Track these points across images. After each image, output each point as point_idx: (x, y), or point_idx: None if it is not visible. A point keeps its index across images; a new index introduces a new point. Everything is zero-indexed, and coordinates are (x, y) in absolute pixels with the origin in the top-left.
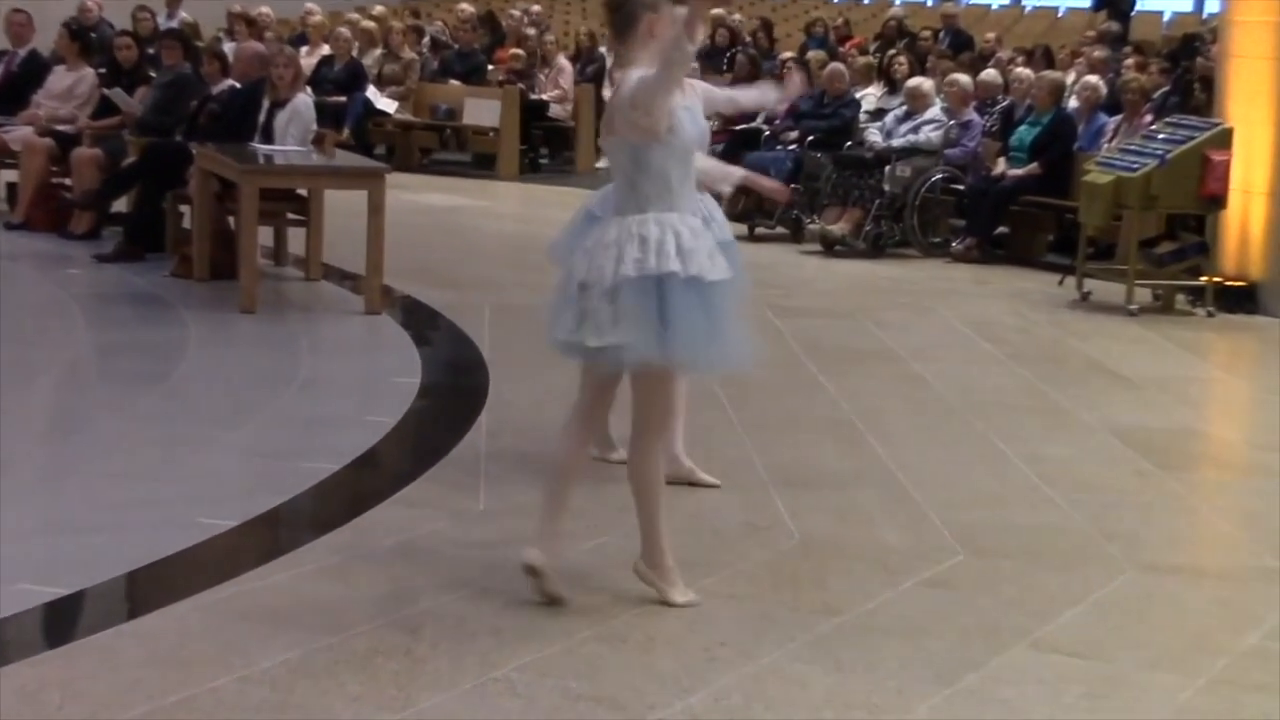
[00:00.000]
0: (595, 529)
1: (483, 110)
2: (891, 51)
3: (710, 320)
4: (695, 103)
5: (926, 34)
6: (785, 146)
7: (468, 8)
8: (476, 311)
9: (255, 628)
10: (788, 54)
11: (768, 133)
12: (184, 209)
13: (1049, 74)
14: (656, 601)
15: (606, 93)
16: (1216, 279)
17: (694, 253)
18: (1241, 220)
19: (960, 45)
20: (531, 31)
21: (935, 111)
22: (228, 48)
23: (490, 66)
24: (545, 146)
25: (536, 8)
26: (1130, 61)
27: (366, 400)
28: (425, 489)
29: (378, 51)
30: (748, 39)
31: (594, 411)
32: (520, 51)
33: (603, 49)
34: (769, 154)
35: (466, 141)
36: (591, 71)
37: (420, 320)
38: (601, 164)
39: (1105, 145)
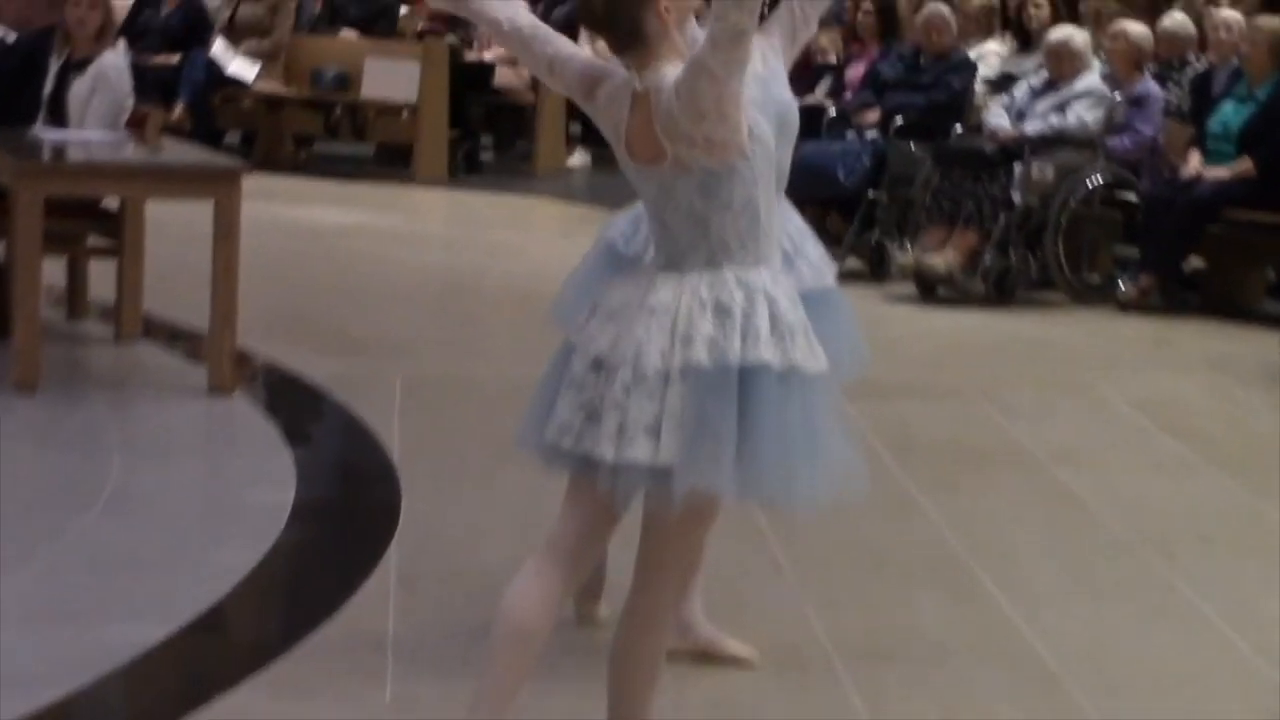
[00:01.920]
0: None
1: (392, 77)
2: None
3: (808, 434)
4: (772, 57)
5: None
6: (861, 133)
7: None
8: (381, 388)
9: None
10: None
11: (833, 112)
12: None
13: (1270, 20)
14: None
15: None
16: None
17: (793, 332)
18: None
19: None
20: None
21: (1092, 80)
22: None
23: (404, 9)
24: (489, 133)
25: None
26: None
27: (210, 528)
28: (300, 669)
29: None
30: None
31: (580, 554)
32: None
33: None
34: (834, 144)
35: (366, 126)
36: (560, 15)
37: (294, 403)
38: (576, 162)
39: None
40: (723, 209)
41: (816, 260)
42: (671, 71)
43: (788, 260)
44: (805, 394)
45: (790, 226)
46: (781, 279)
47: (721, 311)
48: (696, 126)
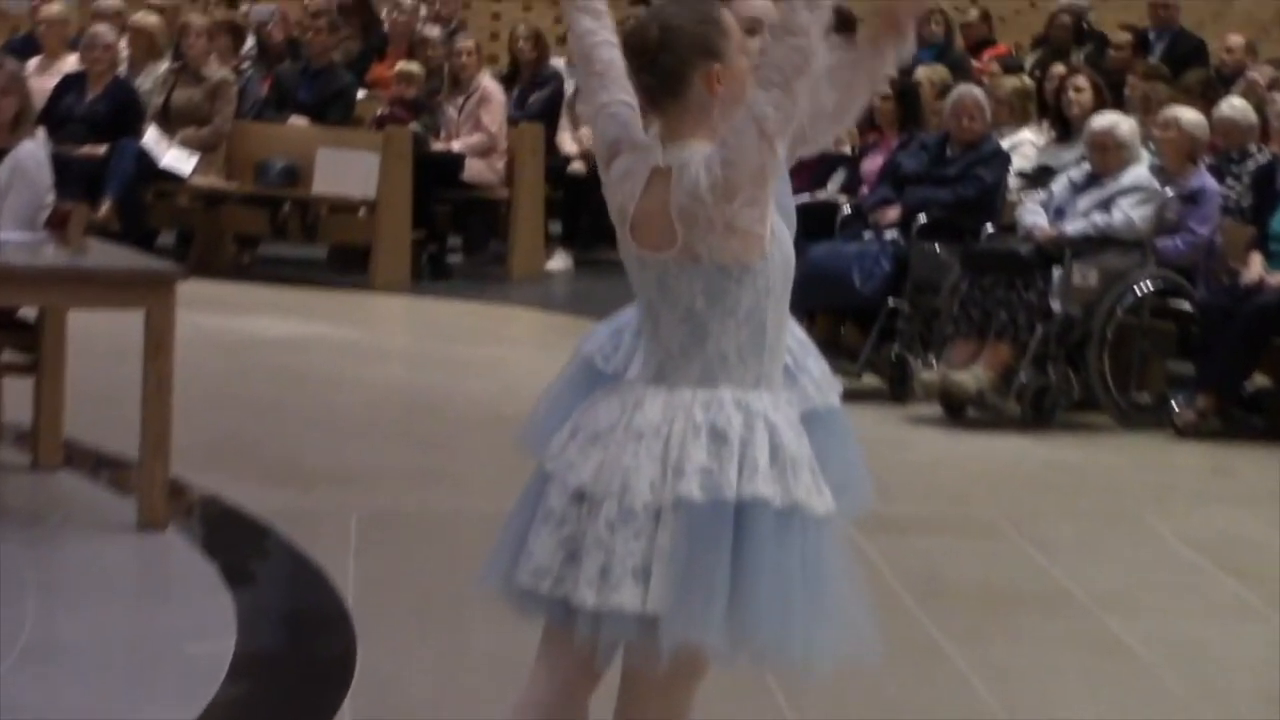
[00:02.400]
0: None
1: (347, 170)
2: (1062, 67)
3: (811, 583)
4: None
5: (1124, 37)
6: (880, 233)
7: None
8: (335, 524)
9: None
10: None
11: (848, 209)
12: None
13: None
14: None
15: (568, 139)
16: None
17: (797, 466)
18: None
19: (1184, 56)
20: (434, 33)
21: (1140, 174)
22: None
23: (362, 93)
24: (457, 233)
25: None
26: None
27: (140, 683)
28: None
29: (164, 66)
30: None
31: (559, 713)
32: (415, 67)
33: (559, 63)
34: (849, 246)
35: (319, 225)
36: (538, 101)
37: (236, 541)
38: (556, 265)
39: None
40: (726, 315)
41: (819, 376)
42: (701, 150)
43: (789, 376)
44: (808, 537)
45: (790, 339)
46: (784, 405)
47: (717, 438)
48: (724, 205)
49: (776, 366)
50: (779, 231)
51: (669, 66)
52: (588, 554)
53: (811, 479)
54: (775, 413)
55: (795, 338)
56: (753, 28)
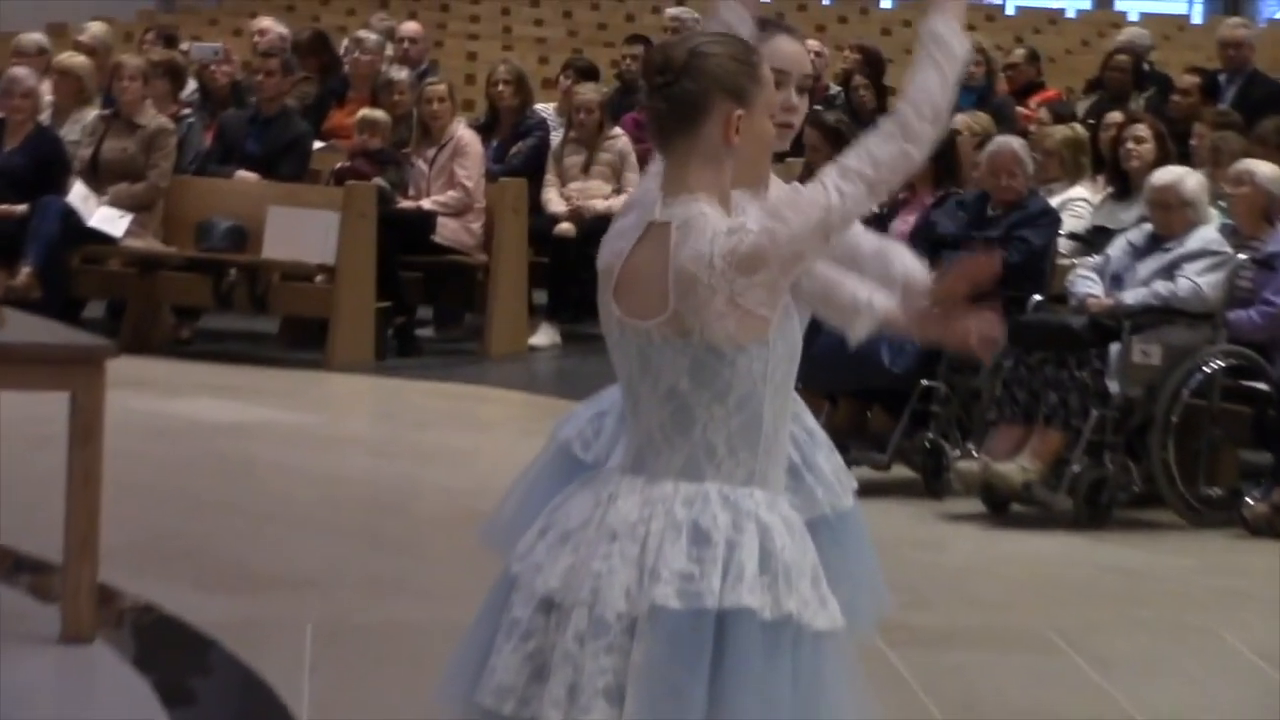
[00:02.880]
0: None
1: (303, 231)
2: (1119, 115)
3: (805, 705)
4: None
5: (1190, 80)
6: None
7: (271, 24)
8: (287, 636)
9: None
10: None
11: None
12: None
13: None
14: None
15: (554, 197)
16: None
17: (792, 574)
18: None
19: (1259, 102)
20: (401, 75)
21: (1209, 236)
22: None
23: (319, 143)
24: (428, 304)
25: (412, 28)
26: None
27: None
28: None
29: (92, 113)
30: (832, 89)
31: None
32: (379, 114)
33: (544, 110)
34: None
35: (269, 294)
36: (520, 153)
37: (173, 654)
38: (541, 341)
39: None
40: (714, 401)
41: (830, 475)
42: (708, 213)
43: (794, 475)
44: (803, 654)
45: (797, 429)
46: (781, 505)
47: (699, 538)
48: (735, 278)
49: (774, 464)
50: (788, 317)
51: (689, 95)
52: (555, 671)
53: (812, 590)
54: (769, 513)
55: (804, 427)
56: (778, 80)
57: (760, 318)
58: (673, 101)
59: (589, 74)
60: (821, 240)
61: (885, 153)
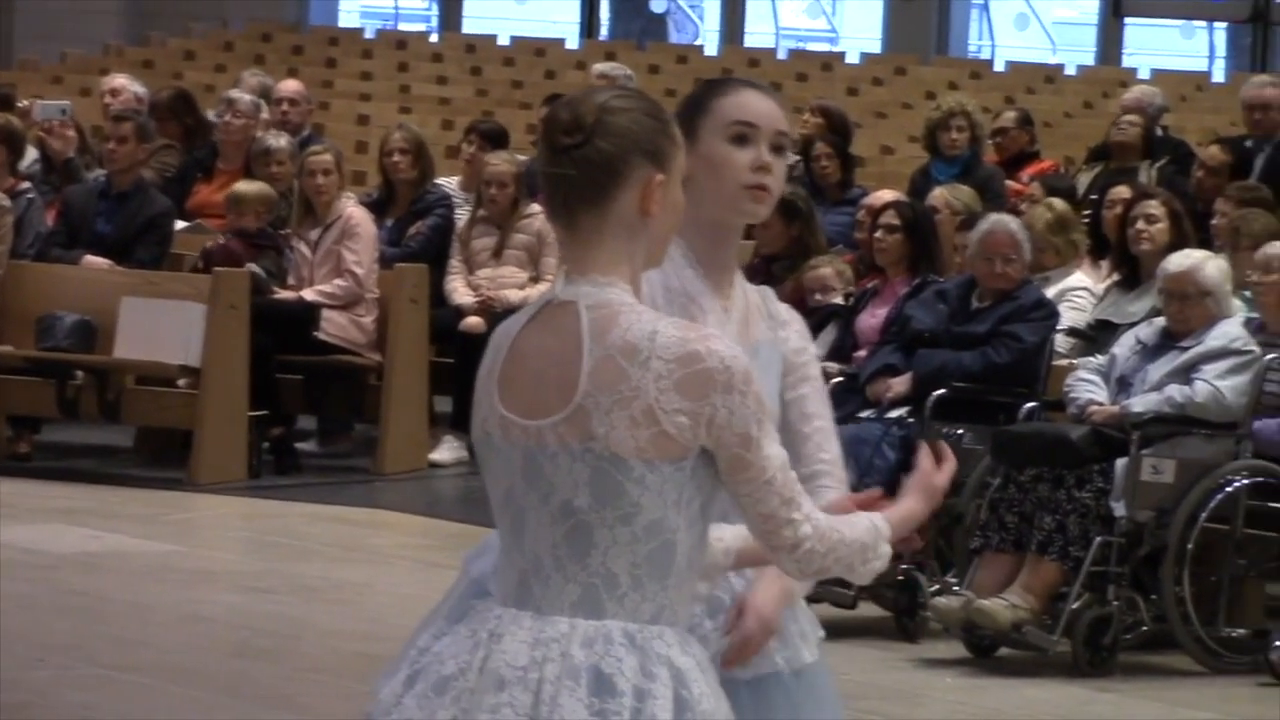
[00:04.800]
0: None
1: (162, 327)
2: (1126, 190)
3: None
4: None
5: (1215, 154)
6: (882, 411)
7: (126, 83)
8: None
9: None
10: (884, 196)
11: (838, 380)
12: None
13: None
14: None
15: (459, 287)
16: None
17: None
18: None
19: None
20: (280, 143)
21: (1232, 331)
22: None
23: (181, 224)
24: (311, 413)
25: (292, 86)
26: None
27: None
28: None
29: None
30: (791, 158)
31: None
32: (253, 188)
33: (447, 184)
34: (843, 429)
35: (122, 402)
36: (420, 235)
37: None
38: (443, 456)
39: None
40: (619, 523)
41: (789, 623)
42: (632, 303)
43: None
44: None
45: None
46: (694, 645)
47: (602, 687)
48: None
49: (685, 597)
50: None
51: (603, 158)
52: None
53: None
54: (682, 655)
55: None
56: (743, 134)
57: (678, 443)
58: (583, 165)
59: (498, 140)
60: (745, 470)
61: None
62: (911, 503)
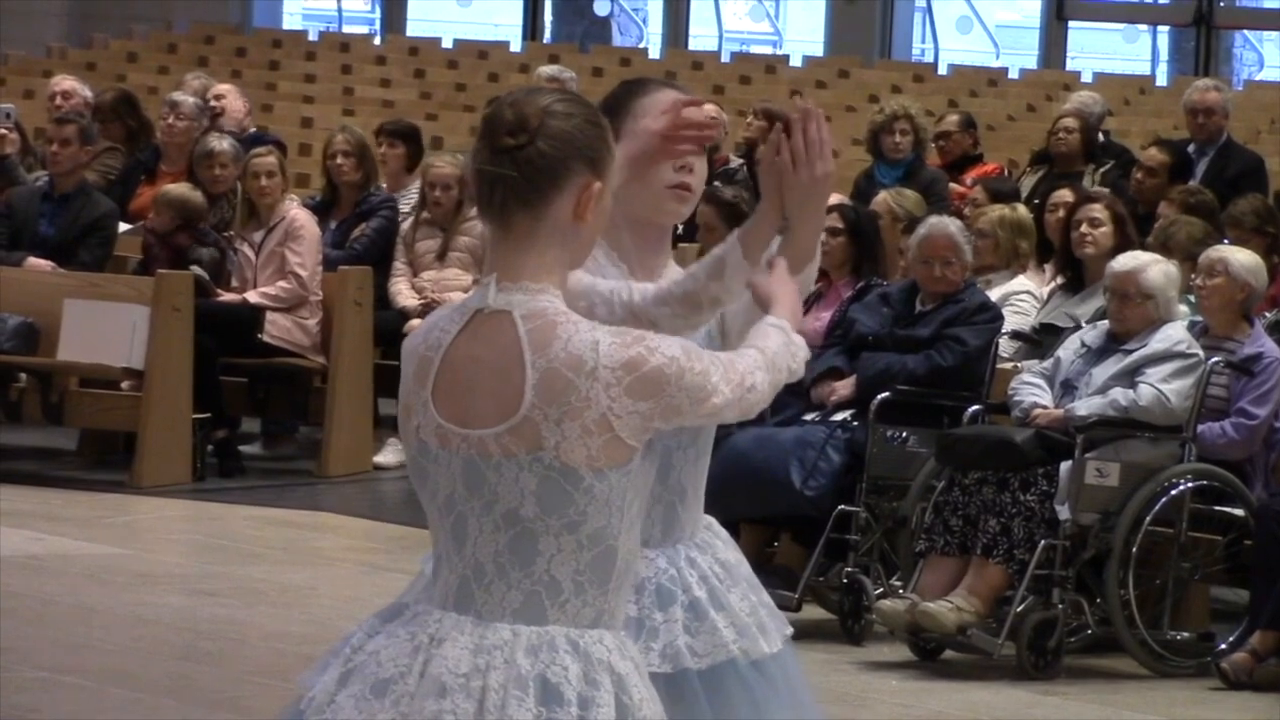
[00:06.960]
0: None
1: (105, 329)
2: (1069, 194)
3: None
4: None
5: (1155, 155)
6: (826, 415)
7: (75, 86)
8: None
9: None
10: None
11: None
12: None
13: None
14: None
15: (403, 289)
16: None
17: None
18: None
19: (1233, 178)
20: (222, 144)
21: (1176, 335)
22: None
23: (125, 226)
24: (255, 415)
25: (224, 86)
26: None
27: None
28: None
29: None
30: (732, 161)
31: None
32: (194, 194)
33: (398, 198)
34: (784, 433)
35: (64, 404)
36: (364, 237)
37: None
38: (388, 459)
39: None
40: (564, 531)
41: (746, 615)
42: (565, 311)
43: (697, 613)
44: None
45: (709, 561)
46: (630, 646)
47: (550, 696)
48: (628, 397)
49: (622, 601)
50: (658, 441)
51: (543, 160)
52: None
53: None
54: (621, 660)
55: (718, 560)
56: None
57: (628, 446)
58: (524, 167)
59: (407, 137)
60: (710, 415)
61: (777, 357)
62: (779, 288)
